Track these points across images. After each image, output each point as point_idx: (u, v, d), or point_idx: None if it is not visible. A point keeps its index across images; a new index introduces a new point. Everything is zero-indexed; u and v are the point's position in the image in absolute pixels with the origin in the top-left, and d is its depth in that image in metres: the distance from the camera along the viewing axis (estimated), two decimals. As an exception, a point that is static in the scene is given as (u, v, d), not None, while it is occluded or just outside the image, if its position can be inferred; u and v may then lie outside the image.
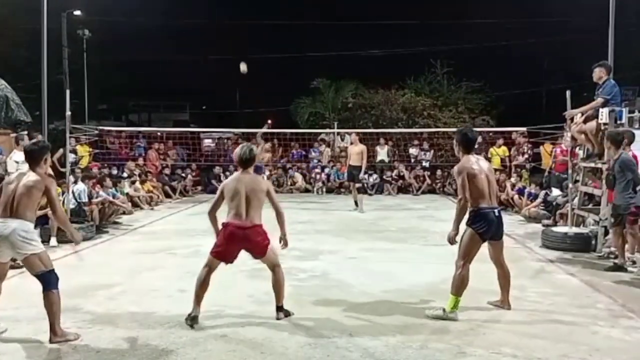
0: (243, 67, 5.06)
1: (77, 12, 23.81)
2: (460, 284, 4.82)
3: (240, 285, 6.04)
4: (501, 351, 4.11)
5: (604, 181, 7.63)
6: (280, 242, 5.01)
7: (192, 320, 4.64)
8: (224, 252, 4.81)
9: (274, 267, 4.88)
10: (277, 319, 4.79)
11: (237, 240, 4.76)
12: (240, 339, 4.36)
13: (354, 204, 12.43)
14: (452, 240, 4.98)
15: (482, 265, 6.96)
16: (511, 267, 6.79)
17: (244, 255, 7.56)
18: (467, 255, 4.88)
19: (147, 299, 5.51)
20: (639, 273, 6.52)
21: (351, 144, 13.03)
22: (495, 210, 4.99)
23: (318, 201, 14.71)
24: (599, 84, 7.79)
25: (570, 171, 8.63)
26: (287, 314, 4.87)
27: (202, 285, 4.72)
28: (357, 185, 12.47)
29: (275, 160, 17.88)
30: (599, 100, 7.66)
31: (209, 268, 4.80)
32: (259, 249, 4.82)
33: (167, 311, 5.05)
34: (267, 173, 17.39)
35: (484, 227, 4.88)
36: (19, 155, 9.34)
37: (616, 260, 6.83)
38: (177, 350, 4.16)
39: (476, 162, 5.02)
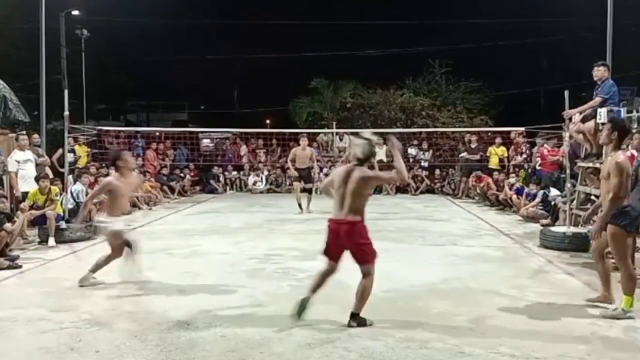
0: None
1: (76, 12, 23.77)
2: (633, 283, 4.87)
3: (239, 285, 6.04)
4: (500, 351, 4.11)
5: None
6: None
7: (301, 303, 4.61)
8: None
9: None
10: (349, 325, 4.57)
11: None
12: (239, 339, 4.35)
13: (298, 208, 11.81)
14: (596, 237, 5.02)
15: (482, 266, 6.99)
16: (510, 267, 6.85)
17: (242, 256, 7.59)
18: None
19: (146, 299, 5.50)
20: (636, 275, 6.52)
21: (302, 148, 12.30)
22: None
23: (317, 201, 14.69)
24: (598, 84, 7.80)
25: (568, 171, 8.63)
26: (362, 322, 4.58)
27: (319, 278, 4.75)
28: (307, 185, 11.99)
29: (274, 160, 17.88)
30: (597, 99, 7.66)
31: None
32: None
33: (166, 311, 5.05)
34: (266, 173, 17.38)
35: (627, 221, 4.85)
36: (20, 154, 9.32)
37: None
38: (176, 350, 4.15)
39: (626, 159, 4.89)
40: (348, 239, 4.52)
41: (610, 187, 4.76)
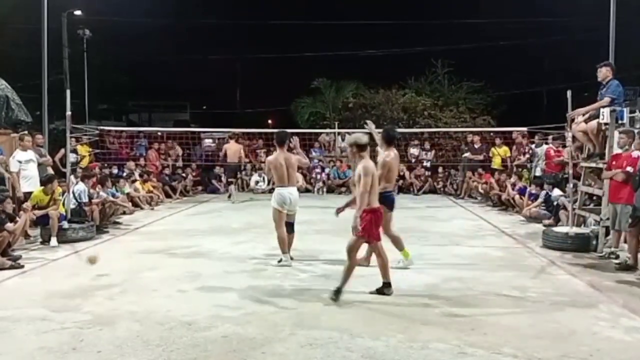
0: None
1: (78, 12, 23.81)
2: None
3: (240, 285, 6.04)
4: (502, 351, 4.10)
5: (604, 181, 7.62)
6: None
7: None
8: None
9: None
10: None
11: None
12: (241, 339, 4.35)
13: (230, 198, 14.15)
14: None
15: (484, 266, 6.98)
16: (512, 268, 6.84)
17: (244, 256, 7.59)
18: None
19: (147, 299, 5.51)
20: (640, 274, 6.51)
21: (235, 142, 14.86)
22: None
23: (318, 201, 14.69)
24: (603, 84, 7.78)
25: (570, 171, 8.61)
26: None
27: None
28: (232, 179, 14.72)
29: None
30: (606, 99, 7.64)
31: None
32: None
33: (167, 311, 5.05)
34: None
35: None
36: (22, 154, 9.31)
37: (628, 261, 6.76)
38: (177, 350, 4.15)
39: (395, 156, 6.77)
40: None
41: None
